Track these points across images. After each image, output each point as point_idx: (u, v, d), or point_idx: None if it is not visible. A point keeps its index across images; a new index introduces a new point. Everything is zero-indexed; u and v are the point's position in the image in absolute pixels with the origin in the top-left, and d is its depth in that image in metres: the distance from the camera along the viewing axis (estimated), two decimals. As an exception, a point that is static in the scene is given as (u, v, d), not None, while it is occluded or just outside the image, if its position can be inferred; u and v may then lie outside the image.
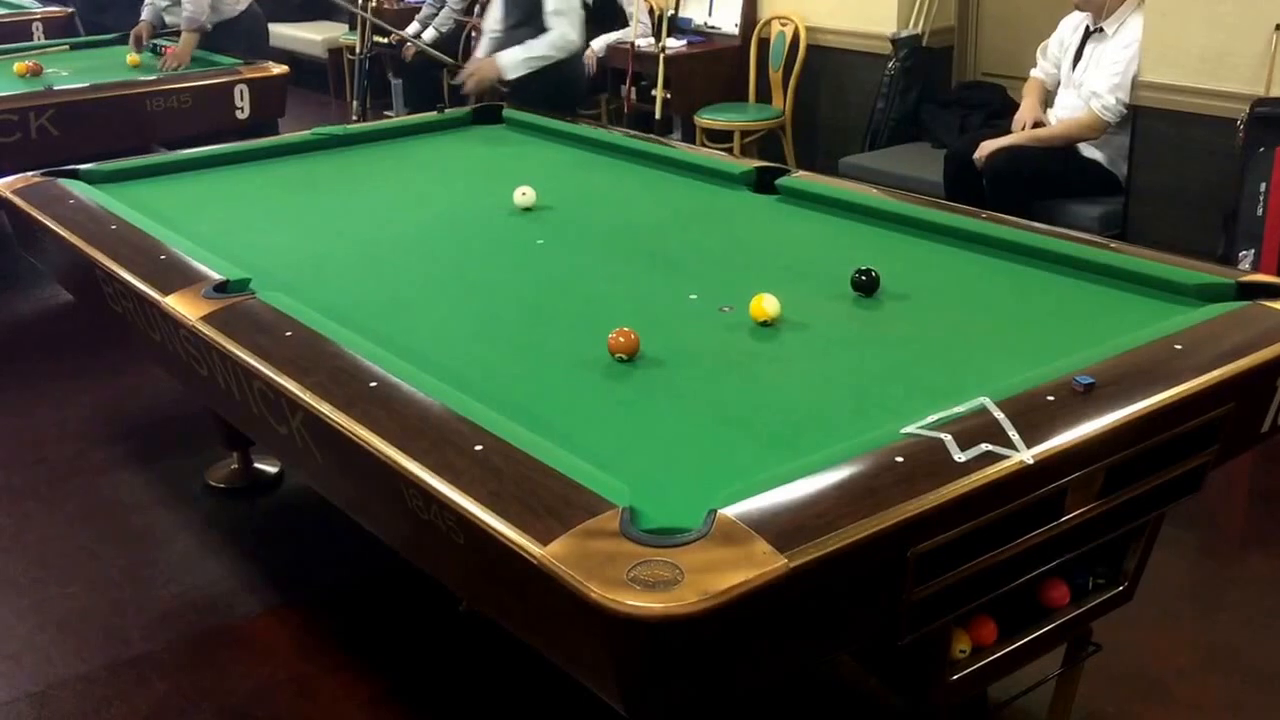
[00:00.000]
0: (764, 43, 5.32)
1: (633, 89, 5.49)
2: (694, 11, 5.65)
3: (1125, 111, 3.78)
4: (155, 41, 4.84)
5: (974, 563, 1.49)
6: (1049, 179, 3.85)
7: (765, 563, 1.25)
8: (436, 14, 6.04)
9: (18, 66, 4.43)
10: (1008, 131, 3.93)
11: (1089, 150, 3.88)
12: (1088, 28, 3.85)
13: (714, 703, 1.34)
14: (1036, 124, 3.89)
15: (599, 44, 5.63)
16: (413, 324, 2.06)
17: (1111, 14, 3.80)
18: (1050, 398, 1.59)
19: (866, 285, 2.09)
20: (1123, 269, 2.12)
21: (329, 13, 7.34)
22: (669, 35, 5.40)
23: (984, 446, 1.47)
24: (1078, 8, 3.88)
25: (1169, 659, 2.35)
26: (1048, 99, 4.00)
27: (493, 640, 2.32)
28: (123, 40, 5.05)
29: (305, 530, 2.84)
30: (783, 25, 5.22)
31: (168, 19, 4.97)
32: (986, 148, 3.80)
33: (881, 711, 2.07)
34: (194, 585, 2.63)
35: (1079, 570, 1.81)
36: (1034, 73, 4.06)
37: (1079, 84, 3.85)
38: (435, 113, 3.54)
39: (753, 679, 1.38)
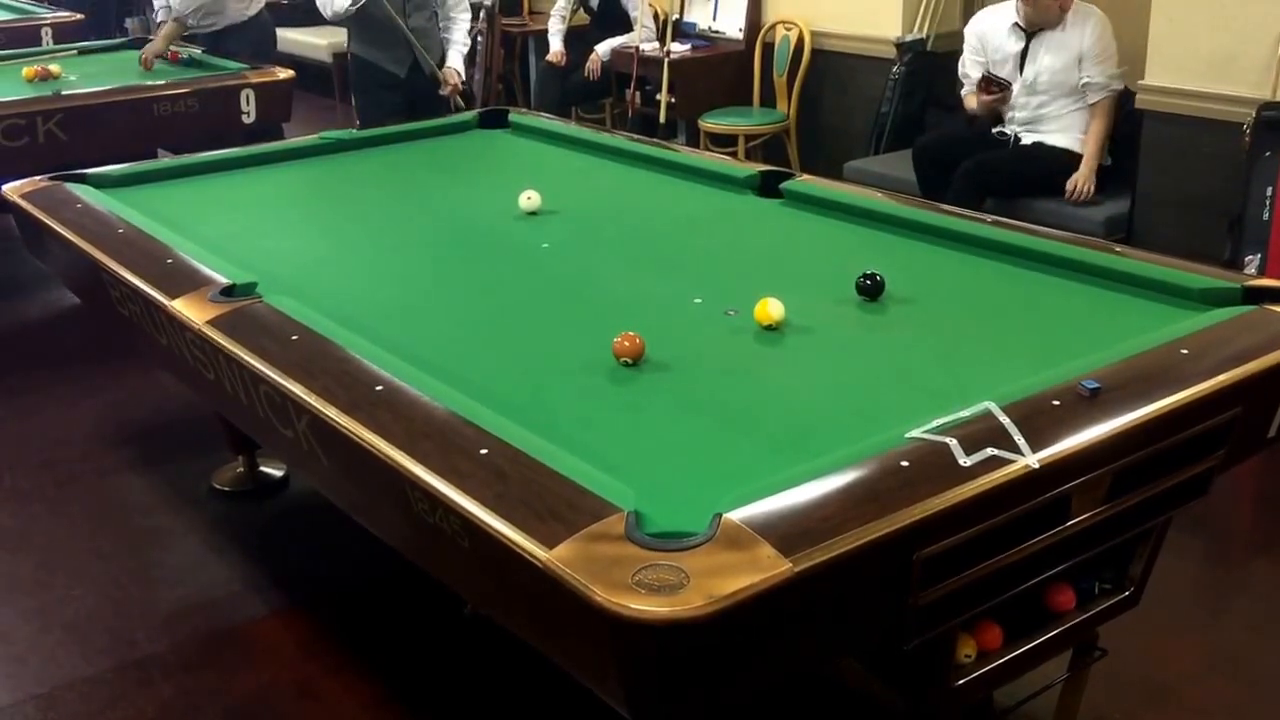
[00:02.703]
0: (768, 47, 5.32)
1: (637, 93, 5.50)
2: (698, 16, 5.66)
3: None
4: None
5: (979, 567, 1.49)
6: (1021, 177, 3.92)
7: (770, 567, 1.25)
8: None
9: (26, 71, 4.44)
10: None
11: (1054, 139, 3.93)
12: (1026, 32, 3.92)
13: (718, 706, 1.34)
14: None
15: (604, 48, 5.65)
16: (418, 328, 2.06)
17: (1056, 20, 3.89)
18: (1056, 402, 1.59)
19: (871, 289, 2.09)
20: (1128, 273, 2.12)
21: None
22: (673, 39, 5.42)
23: (989, 451, 1.47)
24: (1029, 27, 3.91)
25: (1175, 664, 2.35)
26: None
27: (497, 643, 2.32)
28: (132, 45, 5.05)
29: (310, 533, 2.84)
30: (787, 29, 5.22)
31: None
32: (1083, 189, 3.85)
33: (886, 715, 2.06)
34: (199, 587, 2.63)
35: (1085, 575, 1.81)
36: (969, 90, 4.13)
37: (1030, 83, 3.93)
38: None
39: (757, 682, 1.38)
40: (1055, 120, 3.96)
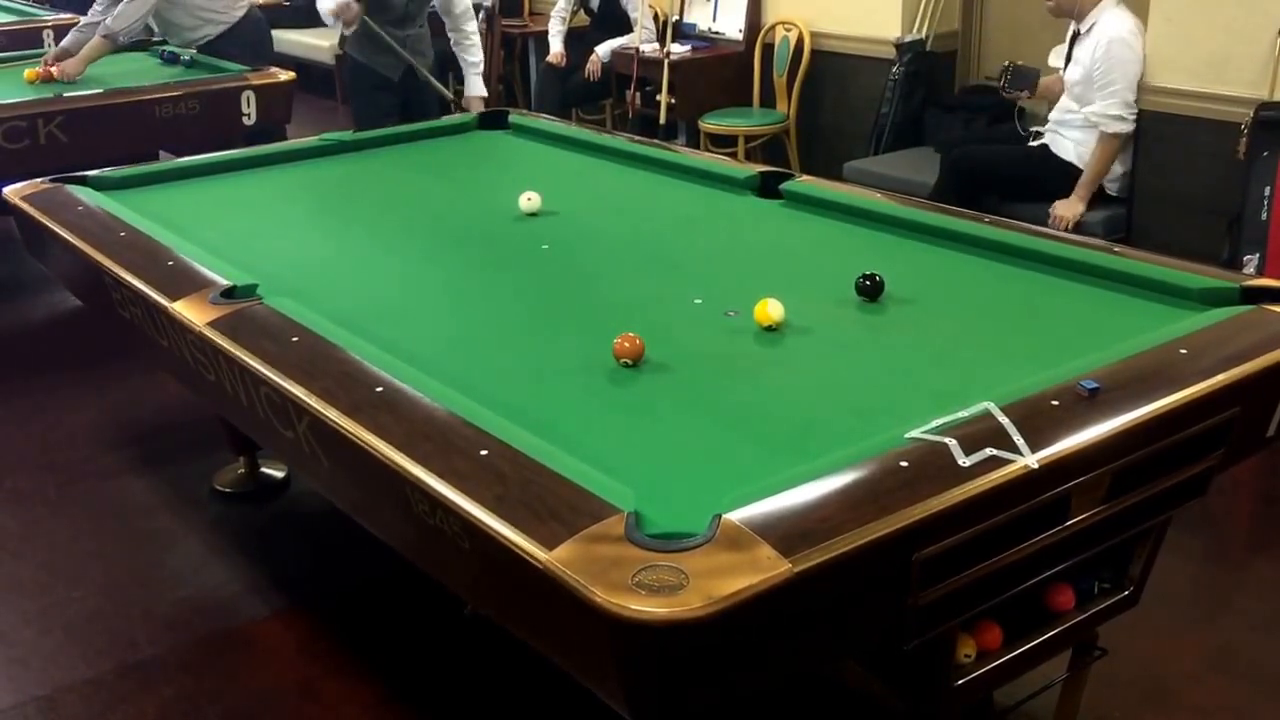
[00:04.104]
0: (768, 48, 5.33)
1: (637, 94, 5.50)
2: (698, 17, 5.66)
3: (1136, 111, 3.76)
4: (168, 49, 4.84)
5: (979, 567, 1.49)
6: (1019, 180, 3.88)
7: (770, 567, 1.26)
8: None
9: (28, 73, 4.45)
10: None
11: (1060, 149, 3.88)
12: (1075, 30, 3.86)
13: (718, 706, 1.34)
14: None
15: (604, 49, 5.65)
16: (418, 329, 2.07)
17: (1085, 15, 3.78)
18: (1055, 402, 1.60)
19: (871, 290, 2.09)
20: (1127, 273, 2.12)
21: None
22: (673, 40, 5.42)
23: (988, 451, 1.47)
24: (1052, 14, 3.89)
25: (1175, 663, 2.35)
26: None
27: (498, 644, 2.33)
28: (135, 47, 5.05)
29: (311, 535, 2.85)
30: (787, 30, 5.23)
31: (172, 40, 4.92)
32: (1064, 219, 3.76)
33: (886, 715, 2.07)
34: (201, 589, 2.64)
35: (1084, 575, 1.81)
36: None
37: (1069, 85, 3.86)
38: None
39: (757, 683, 1.39)
40: (1076, 130, 3.83)
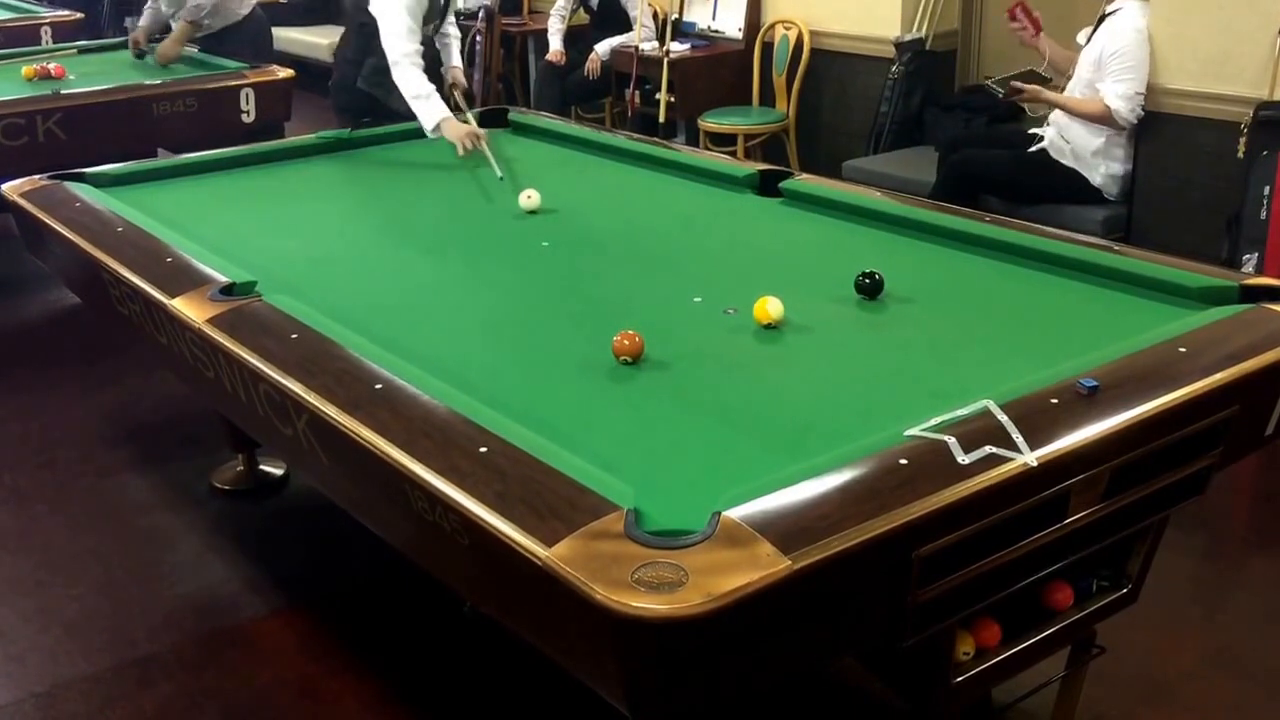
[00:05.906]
0: (768, 46, 5.33)
1: (637, 92, 5.50)
2: (698, 15, 5.66)
3: (1141, 114, 3.75)
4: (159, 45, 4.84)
5: (978, 565, 1.49)
6: (1019, 185, 3.86)
7: (769, 564, 1.26)
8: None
9: (26, 70, 4.45)
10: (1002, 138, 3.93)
11: (1059, 153, 3.86)
12: (1103, 13, 3.83)
13: (718, 704, 1.34)
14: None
15: (604, 48, 5.65)
16: (418, 326, 2.07)
17: None
18: (1054, 400, 1.60)
19: (870, 288, 2.10)
20: (1127, 272, 2.12)
21: (333, 16, 7.36)
22: (673, 39, 5.42)
23: (987, 449, 1.47)
24: None
25: (1173, 661, 2.35)
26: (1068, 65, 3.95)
27: (497, 641, 2.33)
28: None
29: (310, 532, 2.85)
30: (786, 29, 5.23)
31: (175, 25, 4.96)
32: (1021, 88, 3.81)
33: (885, 713, 2.07)
34: (199, 587, 2.64)
35: (1083, 573, 1.82)
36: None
37: (1081, 63, 3.83)
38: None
39: (756, 680, 1.39)
40: (1078, 128, 3.79)
